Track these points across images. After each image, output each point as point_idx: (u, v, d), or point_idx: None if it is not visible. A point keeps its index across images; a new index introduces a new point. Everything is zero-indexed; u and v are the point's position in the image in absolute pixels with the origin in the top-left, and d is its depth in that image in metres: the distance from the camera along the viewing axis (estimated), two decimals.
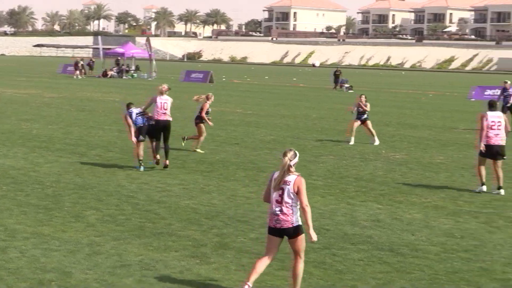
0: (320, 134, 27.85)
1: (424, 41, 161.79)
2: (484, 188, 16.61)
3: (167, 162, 18.67)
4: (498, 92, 52.34)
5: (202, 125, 21.89)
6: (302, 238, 9.35)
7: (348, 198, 15.74)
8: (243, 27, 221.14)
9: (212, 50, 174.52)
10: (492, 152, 16.67)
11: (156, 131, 18.72)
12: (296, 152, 9.26)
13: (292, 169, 9.16)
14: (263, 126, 29.92)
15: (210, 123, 22.12)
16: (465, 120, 35.12)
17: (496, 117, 16.75)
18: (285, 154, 9.18)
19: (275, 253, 9.49)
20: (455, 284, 10.04)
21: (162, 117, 18.67)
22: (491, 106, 17.13)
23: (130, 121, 18.64)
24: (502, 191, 16.41)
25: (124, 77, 70.61)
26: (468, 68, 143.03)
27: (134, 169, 18.52)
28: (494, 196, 16.26)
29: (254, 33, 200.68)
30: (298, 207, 9.28)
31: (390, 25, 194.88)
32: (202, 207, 14.43)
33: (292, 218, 9.21)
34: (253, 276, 9.30)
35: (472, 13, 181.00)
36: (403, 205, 15.10)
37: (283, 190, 9.16)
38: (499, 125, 16.62)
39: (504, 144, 16.73)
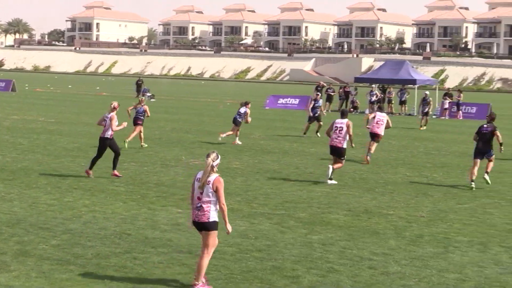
0: (122, 141, 27.96)
1: (222, 52, 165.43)
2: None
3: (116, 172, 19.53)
4: (290, 100, 54.87)
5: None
6: (213, 234, 10.17)
7: (149, 203, 16.11)
8: (46, 36, 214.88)
9: (14, 59, 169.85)
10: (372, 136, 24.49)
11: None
12: (218, 154, 10.17)
13: (215, 169, 10.05)
14: (66, 134, 29.64)
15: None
16: (260, 127, 36.43)
17: (381, 115, 24.69)
18: (208, 156, 10.07)
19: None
20: (249, 282, 10.56)
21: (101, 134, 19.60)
22: (380, 108, 26.78)
23: None
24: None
25: None
26: (263, 78, 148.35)
27: None
28: (286, 198, 17.22)
29: (57, 43, 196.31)
30: (217, 205, 10.11)
31: (190, 36, 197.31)
32: (2, 215, 14.27)
33: (209, 214, 10.04)
34: (201, 273, 10.11)
35: (266, 26, 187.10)
36: None
37: (203, 188, 10.01)
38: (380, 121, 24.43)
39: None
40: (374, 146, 24.50)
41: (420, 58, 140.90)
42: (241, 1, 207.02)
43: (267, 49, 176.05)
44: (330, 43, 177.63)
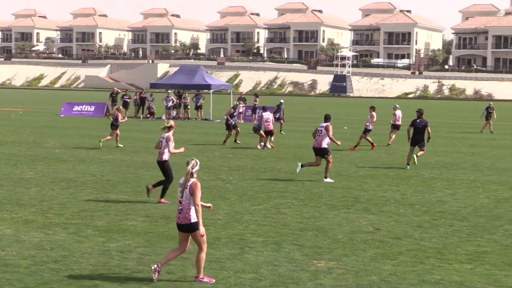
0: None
1: (13, 59, 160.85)
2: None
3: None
4: (86, 107, 54.06)
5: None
6: (198, 232, 10.98)
7: None
8: None
9: None
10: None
11: None
12: (197, 161, 11.13)
13: (194, 175, 10.98)
14: None
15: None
16: (54, 135, 35.62)
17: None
18: (188, 163, 11.02)
19: (185, 246, 11.18)
20: None
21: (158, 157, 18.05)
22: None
23: None
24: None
25: None
26: (57, 85, 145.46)
27: None
28: (82, 207, 16.94)
29: None
30: None
31: None
32: None
33: (190, 216, 10.89)
34: (163, 260, 11.15)
35: (59, 32, 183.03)
36: None
37: (183, 192, 10.91)
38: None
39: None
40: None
41: (214, 63, 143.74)
42: (32, 6, 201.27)
43: (60, 55, 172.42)
44: (125, 49, 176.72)
